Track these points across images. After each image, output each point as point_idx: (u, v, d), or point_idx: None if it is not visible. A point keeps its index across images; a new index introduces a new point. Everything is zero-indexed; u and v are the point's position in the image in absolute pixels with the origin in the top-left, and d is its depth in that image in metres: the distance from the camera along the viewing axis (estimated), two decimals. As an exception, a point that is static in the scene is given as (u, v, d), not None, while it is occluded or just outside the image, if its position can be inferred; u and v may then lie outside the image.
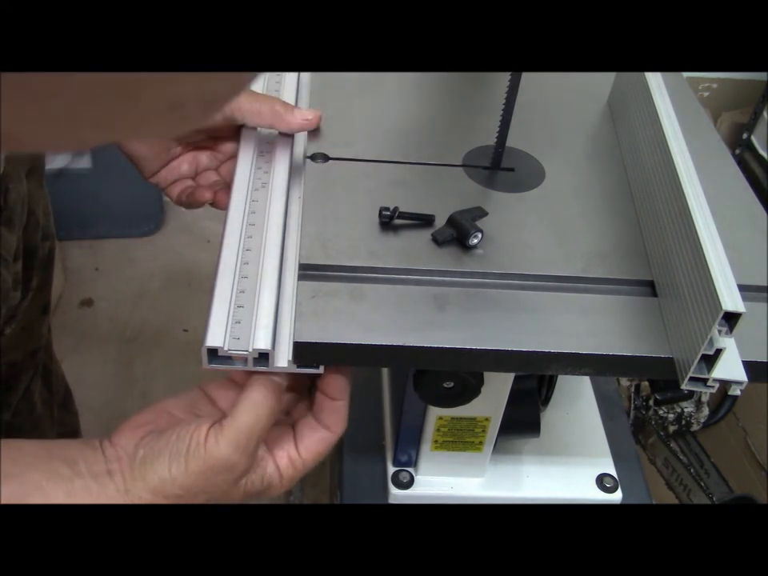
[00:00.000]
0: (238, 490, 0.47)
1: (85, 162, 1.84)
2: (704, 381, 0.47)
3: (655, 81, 0.64)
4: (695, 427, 1.50)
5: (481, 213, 0.58)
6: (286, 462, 0.49)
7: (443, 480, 0.71)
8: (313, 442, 0.50)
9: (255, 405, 0.47)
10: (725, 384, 0.47)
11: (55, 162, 1.79)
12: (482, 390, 0.55)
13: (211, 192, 0.66)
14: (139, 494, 0.44)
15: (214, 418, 0.47)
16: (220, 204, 0.65)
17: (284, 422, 0.52)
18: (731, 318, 0.45)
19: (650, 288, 0.55)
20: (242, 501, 0.47)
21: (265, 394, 0.47)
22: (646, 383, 1.45)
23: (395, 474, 0.71)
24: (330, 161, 0.63)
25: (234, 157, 0.65)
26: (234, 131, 0.66)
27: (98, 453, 0.45)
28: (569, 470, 0.73)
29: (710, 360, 0.46)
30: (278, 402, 0.48)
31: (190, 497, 0.45)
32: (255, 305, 0.49)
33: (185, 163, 0.68)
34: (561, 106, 0.75)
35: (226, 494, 0.46)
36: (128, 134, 0.27)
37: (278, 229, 0.55)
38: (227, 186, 0.65)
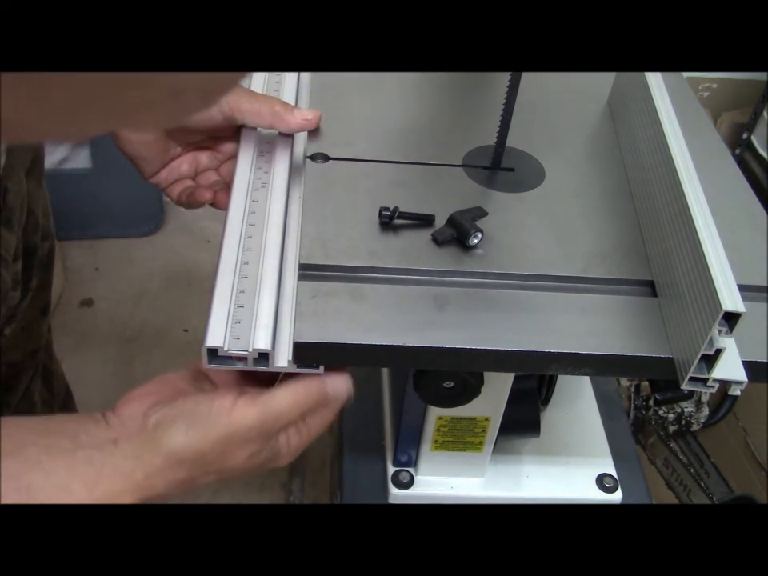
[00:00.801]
0: (251, 464, 0.47)
1: (85, 162, 1.84)
2: (704, 381, 0.47)
3: (655, 81, 0.64)
4: (695, 427, 1.50)
5: (481, 213, 0.58)
6: (293, 431, 0.49)
7: (443, 480, 0.71)
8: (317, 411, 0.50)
9: (296, 400, 0.47)
10: (725, 384, 0.47)
11: (53, 156, 1.79)
12: (482, 389, 0.55)
13: (211, 192, 0.66)
14: (151, 460, 0.44)
15: (235, 392, 0.46)
16: (220, 204, 0.65)
17: None
18: (731, 318, 0.45)
19: (650, 288, 0.55)
20: (250, 474, 0.47)
21: (309, 394, 0.48)
22: (646, 383, 1.45)
23: (395, 474, 0.71)
24: (330, 161, 0.63)
25: (234, 157, 0.65)
26: (234, 131, 0.66)
27: (101, 424, 0.45)
28: (569, 470, 0.73)
29: (710, 360, 0.46)
30: (314, 408, 0.48)
31: (203, 463, 0.45)
32: (255, 305, 0.49)
33: (185, 163, 0.68)
34: (561, 106, 0.75)
35: (238, 467, 0.47)
36: (129, 122, 0.27)
37: (278, 229, 0.55)
38: (227, 186, 0.65)
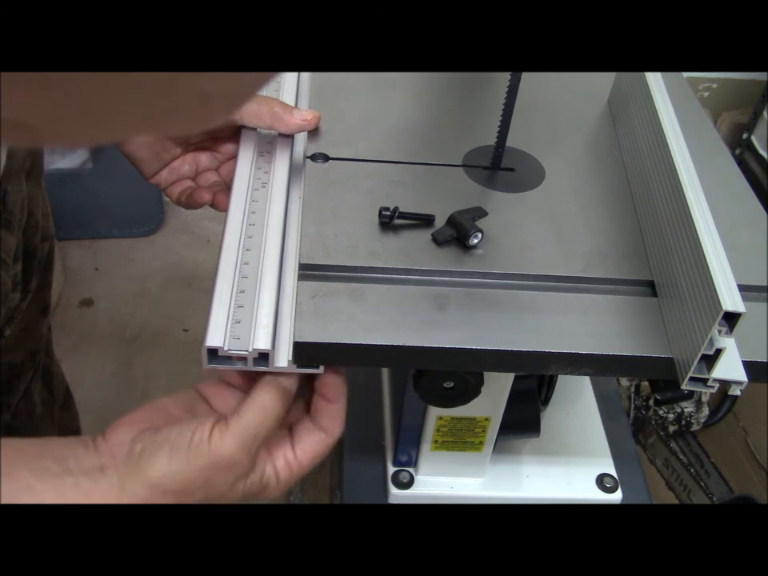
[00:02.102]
0: (236, 491, 0.47)
1: (85, 163, 1.84)
2: (704, 381, 0.47)
3: (655, 81, 0.64)
4: (695, 427, 1.50)
5: (481, 213, 0.58)
6: (282, 464, 0.49)
7: (443, 480, 0.71)
8: (310, 444, 0.50)
9: (264, 406, 0.47)
10: (725, 384, 0.47)
11: (72, 159, 1.79)
12: (482, 389, 0.55)
13: (210, 193, 0.66)
14: (135, 490, 0.43)
15: (215, 417, 0.47)
16: (219, 205, 0.65)
17: (281, 424, 0.52)
18: (731, 318, 0.45)
19: (650, 288, 0.55)
20: (237, 502, 0.47)
21: (273, 397, 0.47)
22: (646, 383, 1.45)
23: (395, 474, 0.71)
24: (330, 161, 0.63)
25: (234, 157, 0.65)
26: (234, 132, 0.66)
27: (90, 449, 0.45)
28: (569, 470, 0.73)
29: (710, 360, 0.46)
30: (285, 407, 0.48)
31: (187, 494, 0.45)
32: (255, 305, 0.49)
33: (185, 164, 0.68)
34: (561, 106, 0.75)
35: (223, 494, 0.46)
36: (157, 128, 0.27)
37: (277, 229, 0.55)
38: (227, 187, 0.65)
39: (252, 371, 0.49)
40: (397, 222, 0.57)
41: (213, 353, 0.47)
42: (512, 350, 0.49)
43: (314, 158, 0.63)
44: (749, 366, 0.47)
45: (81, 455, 0.44)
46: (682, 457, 1.46)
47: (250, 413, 0.46)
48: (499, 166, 0.64)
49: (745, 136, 1.89)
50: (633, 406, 1.49)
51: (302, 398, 0.53)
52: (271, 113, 0.62)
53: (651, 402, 1.48)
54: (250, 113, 0.62)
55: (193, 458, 0.44)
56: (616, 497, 0.72)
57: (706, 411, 1.48)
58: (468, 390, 0.55)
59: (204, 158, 0.69)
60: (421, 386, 0.55)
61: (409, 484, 0.70)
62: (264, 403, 0.47)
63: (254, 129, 0.64)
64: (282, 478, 0.49)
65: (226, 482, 0.46)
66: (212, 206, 0.66)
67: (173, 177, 0.68)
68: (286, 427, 0.51)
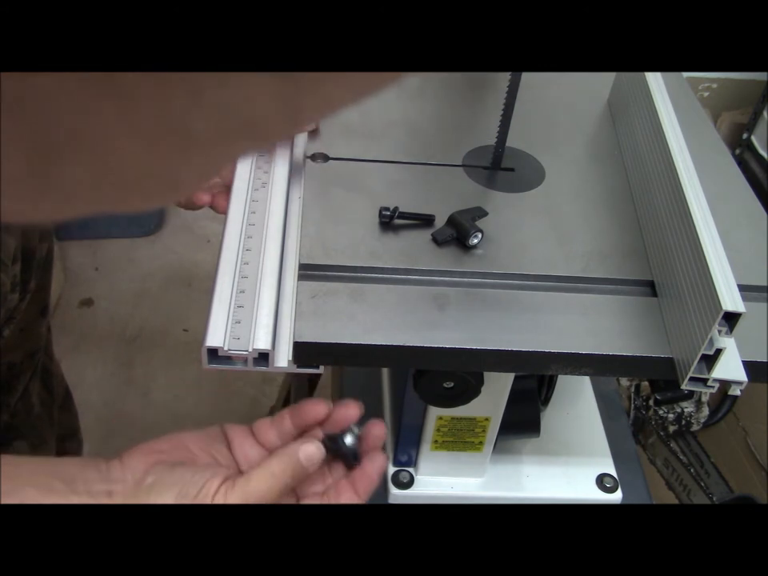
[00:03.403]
0: None
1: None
2: (704, 381, 0.47)
3: (655, 81, 0.64)
4: (695, 427, 1.49)
5: (481, 213, 0.58)
6: None
7: (443, 480, 0.71)
8: None
9: (273, 475, 0.46)
10: (725, 384, 0.47)
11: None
12: (482, 389, 0.55)
13: (209, 195, 0.66)
14: None
15: (229, 471, 0.46)
16: (218, 207, 0.65)
17: (290, 494, 0.50)
18: (731, 318, 0.45)
19: (650, 288, 0.55)
20: None
21: (285, 469, 0.46)
22: (646, 383, 1.45)
23: (395, 474, 0.71)
24: (330, 161, 0.63)
25: None
26: None
27: (102, 473, 0.45)
28: (569, 470, 0.73)
29: (710, 360, 0.46)
30: (297, 481, 0.47)
31: None
32: (255, 305, 0.49)
33: None
34: (561, 106, 0.75)
35: None
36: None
37: (277, 229, 0.55)
38: (226, 188, 0.65)
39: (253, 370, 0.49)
40: (397, 221, 0.57)
41: (213, 353, 0.47)
42: (512, 350, 0.49)
43: (313, 158, 0.63)
44: (749, 365, 0.47)
45: (90, 478, 0.44)
46: (681, 457, 1.46)
47: (257, 479, 0.45)
48: (499, 166, 0.64)
49: (745, 136, 1.89)
50: (633, 405, 1.49)
51: (323, 477, 0.51)
52: None
53: (651, 402, 1.48)
54: None
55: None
56: (616, 497, 0.72)
57: (705, 411, 1.48)
58: (468, 390, 0.55)
59: None
60: (421, 386, 0.55)
61: (409, 484, 0.70)
62: (274, 472, 0.46)
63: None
64: None
65: None
66: (211, 207, 0.66)
67: None
68: (294, 498, 0.50)
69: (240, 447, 0.50)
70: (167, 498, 0.44)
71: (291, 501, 0.50)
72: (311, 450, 0.47)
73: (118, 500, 0.43)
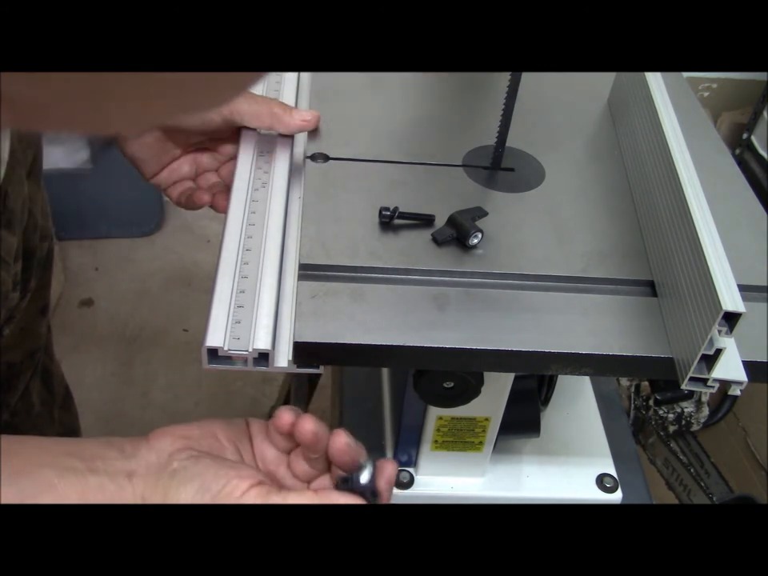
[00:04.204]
0: None
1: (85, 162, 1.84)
2: (704, 381, 0.47)
3: (655, 81, 0.64)
4: (695, 427, 1.50)
5: (481, 213, 0.58)
6: None
7: (443, 480, 0.71)
8: None
9: (311, 499, 0.44)
10: (725, 384, 0.47)
11: (62, 163, 1.79)
12: (482, 389, 0.55)
13: (209, 194, 0.66)
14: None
15: (255, 474, 0.44)
16: (218, 207, 0.65)
17: None
18: (731, 318, 0.45)
19: (650, 288, 0.55)
20: None
21: (329, 499, 0.45)
22: (646, 383, 1.45)
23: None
24: (330, 161, 0.63)
25: (234, 158, 0.65)
26: (234, 132, 0.66)
27: (125, 453, 0.44)
28: (569, 470, 0.73)
29: (710, 360, 0.46)
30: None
31: None
32: (255, 305, 0.49)
33: (185, 164, 0.68)
34: (561, 106, 0.75)
35: None
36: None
37: (277, 229, 0.55)
38: (226, 188, 0.66)
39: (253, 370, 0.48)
40: (397, 221, 0.57)
41: (213, 353, 0.47)
42: (512, 350, 0.49)
43: (313, 158, 0.63)
44: (749, 365, 0.47)
45: (111, 457, 0.43)
46: (682, 457, 1.46)
47: (296, 498, 0.44)
48: (499, 166, 0.64)
49: (745, 136, 1.89)
50: (633, 406, 1.49)
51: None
52: (271, 113, 0.62)
53: (651, 402, 1.48)
54: (250, 113, 0.62)
55: (218, 502, 0.43)
56: (616, 497, 0.72)
57: (705, 411, 1.48)
58: (468, 390, 0.55)
59: (204, 159, 0.68)
60: (421, 386, 0.55)
61: (409, 484, 0.70)
62: (316, 499, 0.44)
63: (254, 129, 0.64)
64: None
65: None
66: (212, 206, 0.66)
67: (173, 177, 0.68)
68: None
69: (260, 445, 0.49)
70: (189, 488, 0.43)
71: None
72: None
73: (137, 482, 0.43)
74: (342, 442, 0.47)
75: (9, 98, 0.17)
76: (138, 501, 0.43)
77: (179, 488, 0.43)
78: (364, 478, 0.46)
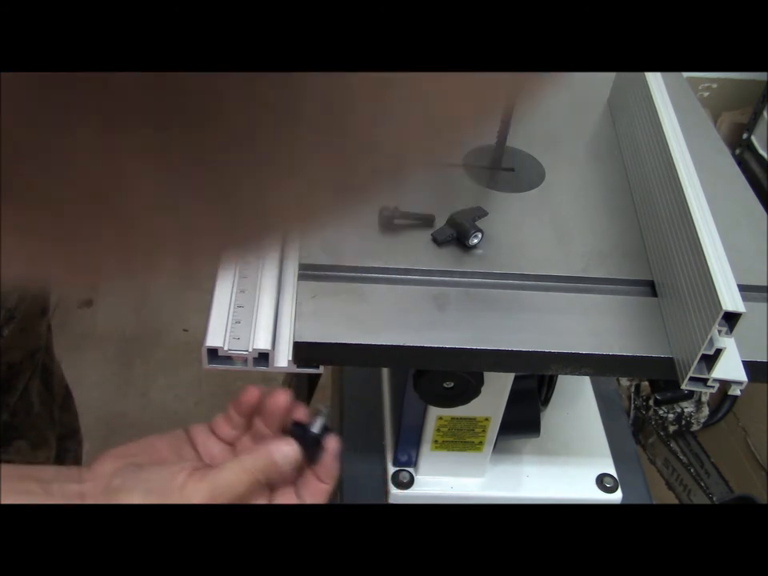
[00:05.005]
0: None
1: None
2: (704, 381, 0.47)
3: (655, 81, 0.64)
4: (695, 427, 1.49)
5: (481, 213, 0.58)
6: None
7: (443, 480, 0.71)
8: None
9: (244, 468, 0.47)
10: (725, 384, 0.47)
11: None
12: (482, 389, 0.55)
13: None
14: None
15: (194, 466, 0.47)
16: None
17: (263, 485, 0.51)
18: (731, 318, 0.45)
19: (650, 288, 0.55)
20: None
21: (257, 466, 0.47)
22: (646, 383, 1.45)
23: (395, 474, 0.71)
24: (330, 161, 0.63)
25: None
26: None
27: (74, 478, 0.46)
28: (569, 470, 0.73)
29: (710, 360, 0.46)
30: (267, 478, 0.48)
31: None
32: (255, 305, 0.49)
33: None
34: (561, 105, 0.75)
35: None
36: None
37: (277, 229, 0.55)
38: None
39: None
40: (397, 222, 0.57)
41: (213, 353, 0.47)
42: (512, 350, 0.49)
43: (314, 157, 0.63)
44: (749, 365, 0.47)
45: (64, 482, 0.45)
46: (682, 457, 1.46)
47: (230, 470, 0.46)
48: (499, 166, 0.64)
49: (745, 136, 1.89)
50: (633, 405, 1.49)
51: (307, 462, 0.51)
52: None
53: (651, 402, 1.48)
54: None
55: (164, 502, 0.45)
56: (616, 497, 0.72)
57: (705, 411, 1.48)
58: (468, 389, 0.55)
59: None
60: (421, 386, 0.55)
61: (409, 484, 0.70)
62: (247, 467, 0.47)
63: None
64: None
65: None
66: None
67: None
68: (267, 489, 0.51)
69: (203, 445, 0.51)
70: (134, 496, 0.45)
71: (264, 492, 0.50)
72: (286, 450, 0.48)
73: (89, 501, 0.44)
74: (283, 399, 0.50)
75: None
76: None
77: (126, 498, 0.45)
78: (316, 427, 0.49)
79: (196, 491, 0.45)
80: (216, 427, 0.52)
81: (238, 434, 0.52)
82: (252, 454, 0.48)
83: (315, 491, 0.50)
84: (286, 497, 0.50)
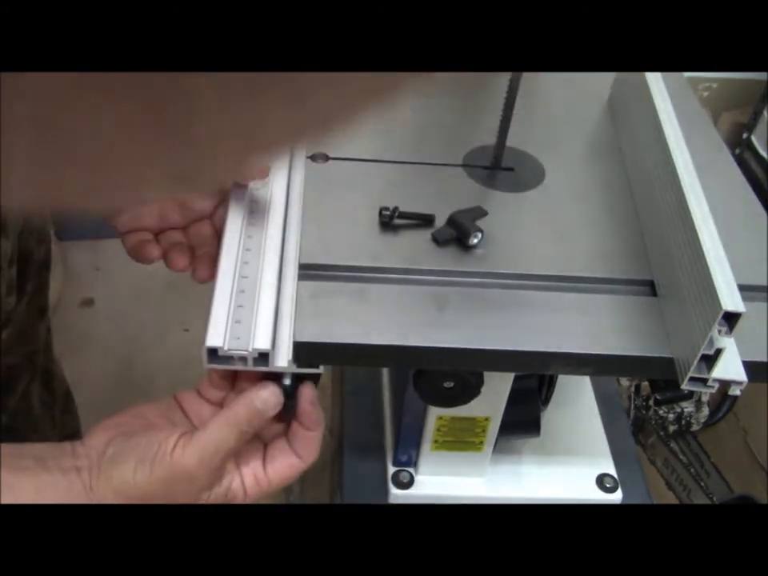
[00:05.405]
0: (204, 501, 0.47)
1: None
2: (704, 381, 0.47)
3: (655, 81, 0.64)
4: (695, 427, 1.49)
5: (481, 213, 0.58)
6: (251, 480, 0.50)
7: (443, 480, 0.71)
8: (282, 466, 0.51)
9: (228, 422, 0.47)
10: (725, 384, 0.47)
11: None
12: (482, 389, 0.55)
13: (159, 250, 0.60)
14: (103, 493, 0.45)
15: (186, 428, 0.48)
16: (170, 263, 0.59)
17: (256, 440, 0.51)
18: (731, 318, 0.45)
19: (650, 288, 0.55)
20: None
21: (243, 415, 0.48)
22: (646, 383, 1.45)
23: (395, 474, 0.71)
24: (330, 161, 0.63)
25: (204, 218, 0.60)
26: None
27: (67, 453, 0.46)
28: (569, 470, 0.73)
29: (710, 360, 0.46)
30: (253, 426, 0.48)
31: (150, 502, 0.46)
32: (255, 304, 0.49)
33: (150, 214, 0.62)
34: (561, 106, 0.75)
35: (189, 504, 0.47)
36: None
37: (277, 228, 0.55)
38: (188, 249, 0.60)
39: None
40: (397, 221, 0.57)
41: (213, 352, 0.47)
42: (512, 350, 0.49)
43: (313, 157, 0.63)
44: (749, 365, 0.47)
45: (59, 456, 0.46)
46: (682, 457, 1.46)
47: (214, 427, 0.47)
48: (499, 166, 0.64)
49: (745, 136, 1.89)
50: (633, 405, 1.49)
51: (287, 416, 0.52)
52: None
53: (651, 402, 1.48)
54: None
55: (156, 468, 0.45)
56: (616, 497, 0.72)
57: (705, 411, 1.48)
58: (468, 389, 0.55)
59: (171, 213, 0.62)
60: (421, 386, 0.55)
61: (409, 484, 0.70)
62: (230, 420, 0.47)
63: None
64: (250, 494, 0.50)
65: (187, 494, 0.46)
66: (166, 263, 0.60)
67: (132, 224, 0.63)
68: (261, 444, 0.52)
69: (192, 409, 0.52)
70: (127, 465, 0.45)
71: (259, 446, 0.51)
72: (265, 395, 0.49)
73: (84, 474, 0.45)
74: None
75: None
76: (87, 491, 0.45)
77: (120, 467, 0.45)
78: (287, 379, 0.50)
79: (184, 454, 0.46)
80: (203, 391, 0.53)
81: (224, 395, 0.53)
82: (233, 407, 0.48)
83: (306, 441, 0.51)
84: (279, 450, 0.51)
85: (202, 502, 0.47)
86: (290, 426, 0.52)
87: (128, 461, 0.45)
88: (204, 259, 0.60)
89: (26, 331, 0.77)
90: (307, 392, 0.51)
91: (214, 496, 0.48)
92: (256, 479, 0.50)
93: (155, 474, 0.45)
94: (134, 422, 0.49)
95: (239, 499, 0.49)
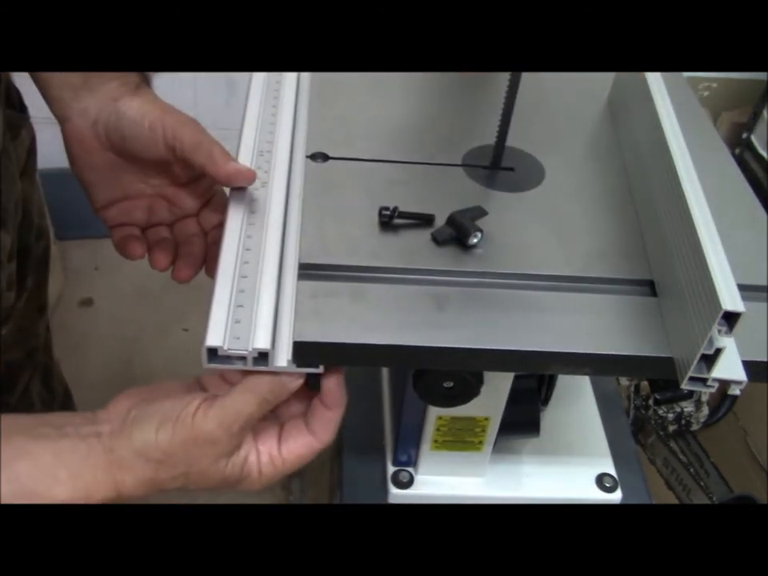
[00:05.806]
0: (218, 470, 0.48)
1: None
2: (704, 380, 0.47)
3: (655, 81, 0.64)
4: (695, 427, 1.50)
5: (481, 212, 0.58)
6: (266, 459, 0.50)
7: (443, 480, 0.71)
8: (297, 445, 0.51)
9: (251, 389, 0.48)
10: (724, 384, 0.47)
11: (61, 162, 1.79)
12: (482, 389, 0.55)
13: (143, 248, 0.61)
14: (122, 454, 0.45)
15: (206, 395, 0.48)
16: (154, 263, 0.60)
17: (273, 419, 0.52)
18: (731, 318, 0.45)
19: (650, 288, 0.55)
20: (218, 485, 0.48)
21: (265, 385, 0.48)
22: (646, 383, 1.45)
23: (395, 474, 0.71)
24: (330, 161, 0.63)
25: (192, 215, 0.61)
26: (191, 180, 0.62)
27: (89, 419, 0.47)
28: (569, 470, 0.73)
29: (710, 360, 0.46)
30: (275, 397, 0.49)
31: (169, 465, 0.46)
32: (255, 304, 0.49)
33: (138, 209, 0.63)
34: (561, 106, 0.75)
35: (205, 471, 0.47)
36: None
37: (277, 228, 0.55)
38: (174, 247, 0.61)
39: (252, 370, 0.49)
40: (397, 221, 0.57)
41: (213, 352, 0.47)
42: (512, 350, 0.49)
43: (313, 157, 0.63)
44: (749, 365, 0.47)
45: (78, 423, 0.46)
46: (681, 457, 1.46)
47: (236, 394, 0.48)
48: (499, 166, 0.64)
49: (745, 136, 1.89)
50: (633, 405, 1.49)
51: (303, 398, 0.53)
52: (208, 152, 0.56)
53: (651, 402, 1.48)
54: (191, 142, 0.56)
55: (178, 430, 0.46)
56: (616, 497, 0.72)
57: (705, 411, 1.48)
58: (468, 389, 0.55)
59: (159, 210, 0.63)
60: (421, 386, 0.55)
61: (409, 484, 0.71)
62: (252, 387, 0.48)
63: (253, 127, 0.64)
64: (264, 473, 0.50)
65: (207, 458, 0.47)
66: (150, 262, 0.61)
67: (121, 218, 0.63)
68: (278, 423, 0.52)
69: (216, 388, 0.52)
70: (150, 425, 0.46)
71: (275, 425, 0.51)
72: (292, 377, 0.49)
73: (105, 440, 0.45)
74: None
75: None
76: (107, 452, 0.45)
77: (140, 428, 0.46)
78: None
79: (206, 417, 0.46)
80: (227, 375, 0.53)
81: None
82: (257, 376, 0.48)
83: (324, 420, 0.51)
84: (296, 429, 0.51)
85: (220, 471, 0.48)
86: (310, 406, 0.52)
87: (150, 421, 0.46)
88: (186, 259, 0.62)
89: (27, 328, 0.77)
90: (335, 372, 0.51)
91: (231, 466, 0.48)
92: (271, 458, 0.50)
93: (177, 435, 0.46)
94: (157, 392, 0.49)
95: (253, 477, 0.49)
